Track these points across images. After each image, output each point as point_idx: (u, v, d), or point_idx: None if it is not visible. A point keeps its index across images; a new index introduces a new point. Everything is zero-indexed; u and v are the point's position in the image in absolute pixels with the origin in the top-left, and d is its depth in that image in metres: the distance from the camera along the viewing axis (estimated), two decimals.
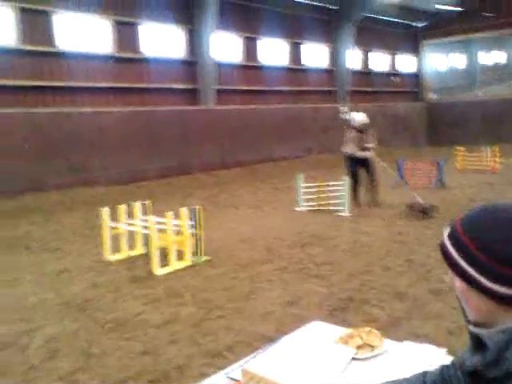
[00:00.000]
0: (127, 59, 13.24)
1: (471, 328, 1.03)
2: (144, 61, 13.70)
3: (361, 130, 8.75)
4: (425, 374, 1.32)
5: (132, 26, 13.34)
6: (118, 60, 13.06)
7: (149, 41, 13.77)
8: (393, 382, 1.35)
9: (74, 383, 3.20)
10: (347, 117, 19.26)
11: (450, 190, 10.24)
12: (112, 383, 3.16)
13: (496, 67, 24.06)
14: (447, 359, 1.78)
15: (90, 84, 12.45)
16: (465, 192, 9.94)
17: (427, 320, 3.88)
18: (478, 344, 1.03)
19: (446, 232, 1.01)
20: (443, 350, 1.83)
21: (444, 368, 1.32)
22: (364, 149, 8.71)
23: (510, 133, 19.74)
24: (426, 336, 3.50)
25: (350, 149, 8.75)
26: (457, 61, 24.92)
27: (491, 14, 21.06)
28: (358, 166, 8.84)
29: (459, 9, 21.74)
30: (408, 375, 1.35)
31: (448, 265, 0.99)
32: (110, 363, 3.43)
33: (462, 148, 13.82)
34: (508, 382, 0.90)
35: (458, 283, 0.98)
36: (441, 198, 9.40)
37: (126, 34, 13.22)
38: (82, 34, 12.37)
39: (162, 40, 14.13)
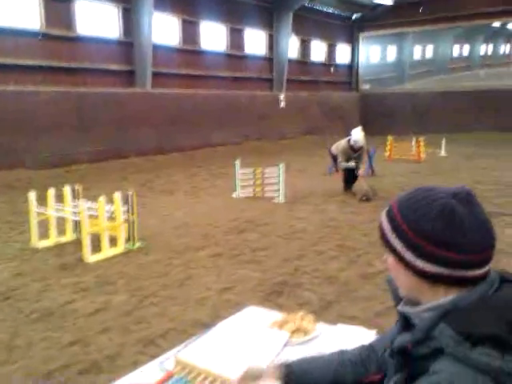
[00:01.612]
0: (58, 37, 12.50)
1: (399, 307, 1.07)
2: (77, 39, 13.00)
3: (354, 149, 8.68)
4: (342, 352, 1.36)
5: (65, 2, 12.60)
6: (48, 37, 12.31)
7: (83, 19, 13.08)
8: (311, 357, 1.38)
9: None
10: (283, 105, 19.51)
11: (380, 178, 10.65)
12: (37, 376, 3.01)
13: (425, 61, 25.18)
14: None
15: (16, 61, 11.67)
16: (394, 180, 10.37)
17: (356, 302, 4.03)
18: (405, 324, 1.06)
19: (385, 210, 1.06)
20: (373, 331, 1.90)
21: (362, 348, 1.36)
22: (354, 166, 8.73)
23: (436, 124, 20.83)
24: (355, 318, 3.63)
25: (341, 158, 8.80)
26: (389, 53, 25.83)
27: (423, 9, 21.96)
28: (348, 174, 8.92)
29: (393, 3, 22.47)
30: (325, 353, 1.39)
31: (382, 240, 1.04)
32: (36, 355, 3.27)
33: (391, 138, 14.41)
34: (435, 358, 0.93)
35: (390, 259, 1.03)
36: (370, 186, 9.75)
37: (57, 10, 12.46)
38: (10, 8, 11.52)
39: (96, 19, 13.47)
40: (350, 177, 8.89)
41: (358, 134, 8.62)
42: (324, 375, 1.32)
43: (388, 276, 1.13)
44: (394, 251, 1.01)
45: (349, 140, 8.73)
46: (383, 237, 1.04)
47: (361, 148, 8.76)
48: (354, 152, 8.77)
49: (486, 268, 0.97)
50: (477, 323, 0.90)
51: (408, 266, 0.99)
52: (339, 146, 8.97)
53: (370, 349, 1.36)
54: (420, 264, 0.97)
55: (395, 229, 1.00)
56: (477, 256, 0.95)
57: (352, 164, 8.74)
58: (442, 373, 0.90)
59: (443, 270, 0.96)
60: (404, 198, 1.03)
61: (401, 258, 1.00)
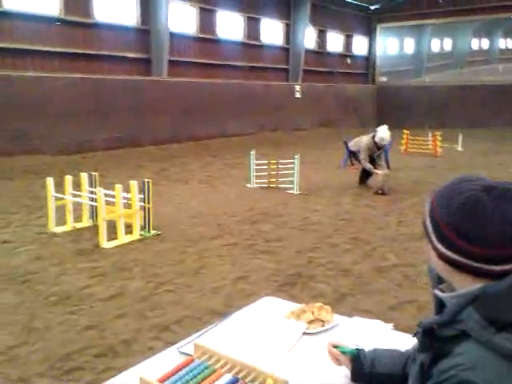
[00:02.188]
0: (76, 23, 12.57)
1: (435, 291, 1.10)
2: (94, 26, 13.07)
3: (378, 146, 8.47)
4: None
5: None
6: (66, 23, 12.38)
7: (101, 6, 13.12)
8: (385, 349, 1.42)
9: (15, 358, 3.09)
10: (299, 96, 19.42)
11: (395, 172, 10.57)
12: (55, 358, 3.08)
13: (443, 54, 24.82)
14: (393, 334, 1.86)
15: (34, 47, 11.76)
16: (409, 174, 10.30)
17: (370, 296, 4.03)
18: (439, 308, 1.09)
19: (429, 199, 1.10)
20: (390, 325, 1.91)
21: None
22: (373, 165, 8.51)
23: (453, 119, 20.59)
24: (368, 311, 3.64)
25: (362, 158, 8.56)
26: (407, 46, 25.50)
27: (443, 1, 21.64)
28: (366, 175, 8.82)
29: None
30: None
31: (422, 225, 1.09)
32: (53, 338, 3.34)
33: (408, 131, 14.28)
34: (460, 341, 0.95)
35: (427, 241, 1.08)
36: (387, 180, 9.69)
37: None
38: None
39: (114, 6, 13.51)
40: (367, 172, 8.78)
41: (384, 132, 8.39)
42: (395, 365, 1.35)
43: (429, 264, 1.16)
44: (427, 234, 1.06)
45: (373, 136, 8.45)
46: (422, 219, 1.09)
47: (386, 145, 8.58)
48: (377, 149, 8.55)
49: (506, 266, 0.97)
50: (503, 310, 0.92)
51: (435, 250, 1.04)
52: (361, 142, 8.68)
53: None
54: (444, 251, 1.01)
55: (430, 212, 1.05)
56: (496, 251, 0.95)
57: (373, 170, 8.47)
58: (466, 355, 0.93)
59: (464, 259, 0.98)
60: (445, 184, 1.07)
61: (430, 242, 1.05)
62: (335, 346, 1.39)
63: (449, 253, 1.00)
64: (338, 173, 10.47)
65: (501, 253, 0.96)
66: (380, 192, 8.23)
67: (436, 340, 1.01)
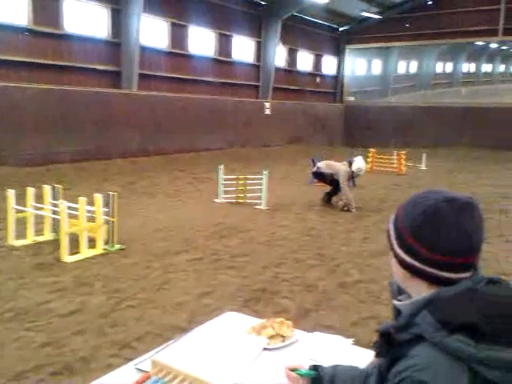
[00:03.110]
0: (45, 33, 12.37)
1: (394, 302, 1.14)
2: (64, 37, 12.88)
3: (354, 175, 8.74)
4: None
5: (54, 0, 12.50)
6: (35, 33, 12.17)
7: (71, 17, 12.97)
8: (345, 366, 1.40)
9: None
10: (269, 112, 19.60)
11: (361, 190, 10.75)
12: (9, 377, 2.96)
13: (409, 76, 25.57)
14: (353, 349, 1.87)
15: (1, 57, 11.50)
16: (374, 192, 10.50)
17: (334, 311, 4.06)
18: (397, 317, 1.12)
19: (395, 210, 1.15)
20: (350, 340, 1.92)
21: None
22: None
23: (417, 138, 21.17)
24: (331, 327, 3.66)
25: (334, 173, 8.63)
26: (375, 67, 26.17)
27: (409, 25, 22.40)
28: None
29: (380, 17, 22.86)
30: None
31: (386, 232, 1.14)
32: (8, 355, 3.21)
33: (373, 150, 14.59)
34: (415, 343, 0.98)
35: (390, 252, 1.13)
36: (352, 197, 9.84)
37: (45, 7, 12.34)
38: None
39: (85, 18, 13.37)
40: (334, 189, 8.88)
41: (361, 163, 8.62)
42: (354, 383, 1.33)
43: (390, 279, 1.20)
44: (389, 240, 1.11)
45: (350, 165, 8.57)
46: (387, 226, 1.14)
47: (358, 175, 8.84)
48: (352, 178, 9.09)
49: (467, 273, 1.02)
50: (455, 312, 0.95)
51: (395, 254, 1.09)
52: (336, 167, 8.70)
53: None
54: (401, 254, 1.06)
55: (394, 220, 1.11)
56: (453, 259, 1.00)
57: (351, 202, 8.50)
58: (419, 356, 0.95)
59: (420, 265, 1.03)
60: (413, 195, 1.12)
61: (392, 248, 1.10)
62: (292, 369, 1.38)
63: (407, 258, 1.05)
64: (305, 189, 10.58)
65: (456, 261, 1.00)
66: (346, 209, 8.38)
67: (393, 344, 1.04)
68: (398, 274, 1.10)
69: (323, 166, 8.98)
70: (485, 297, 0.98)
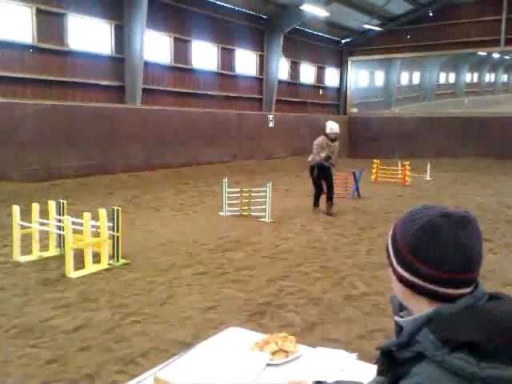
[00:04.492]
0: (49, 50, 12.53)
1: (395, 318, 1.13)
2: (68, 53, 13.05)
3: (330, 138, 8.94)
4: None
5: (58, 16, 12.67)
6: (40, 50, 12.33)
7: (75, 34, 13.14)
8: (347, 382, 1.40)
9: None
10: (272, 125, 19.69)
11: (365, 201, 10.74)
12: None
13: (412, 87, 25.65)
14: (358, 364, 1.86)
15: (6, 73, 11.65)
16: (379, 203, 10.47)
17: (339, 325, 4.03)
18: (399, 333, 1.12)
19: (392, 225, 1.15)
20: (353, 355, 1.91)
21: None
22: (328, 158, 8.88)
23: (421, 149, 21.15)
24: (337, 340, 3.63)
25: (311, 158, 8.97)
26: (377, 78, 26.28)
27: (411, 36, 22.53)
28: (319, 174, 8.99)
29: (382, 29, 23.01)
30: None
31: (385, 249, 1.13)
32: (13, 372, 3.21)
33: (378, 161, 14.59)
34: (417, 361, 0.97)
35: (390, 268, 1.12)
36: (356, 208, 9.84)
37: (50, 24, 12.52)
38: (2, 21, 11.54)
39: (89, 34, 13.55)
40: (319, 184, 9.08)
41: (332, 123, 9.05)
42: None
43: (392, 294, 1.19)
44: (388, 256, 1.10)
45: (324, 134, 8.96)
46: (386, 244, 1.13)
47: (336, 138, 8.99)
48: (331, 142, 8.92)
49: (467, 289, 1.01)
50: (457, 330, 0.95)
51: (395, 273, 1.08)
52: (314, 144, 9.00)
53: None
54: (402, 273, 1.06)
55: (392, 236, 1.10)
56: (454, 275, 1.00)
57: (326, 157, 8.81)
58: (421, 375, 0.95)
59: (421, 282, 1.02)
60: (410, 210, 1.12)
61: (391, 265, 1.09)
62: None
63: (407, 275, 1.04)
64: (309, 201, 10.54)
65: (457, 277, 1.00)
66: (328, 214, 8.89)
67: (394, 362, 1.04)
68: (398, 291, 1.10)
69: (309, 158, 9.14)
70: (486, 314, 0.98)
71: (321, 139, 8.94)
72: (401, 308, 1.15)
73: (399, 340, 1.04)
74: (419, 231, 1.02)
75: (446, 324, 0.97)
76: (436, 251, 1.00)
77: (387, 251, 1.11)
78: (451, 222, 1.01)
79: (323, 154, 8.80)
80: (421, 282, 1.02)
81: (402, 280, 1.06)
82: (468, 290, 1.02)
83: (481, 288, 1.04)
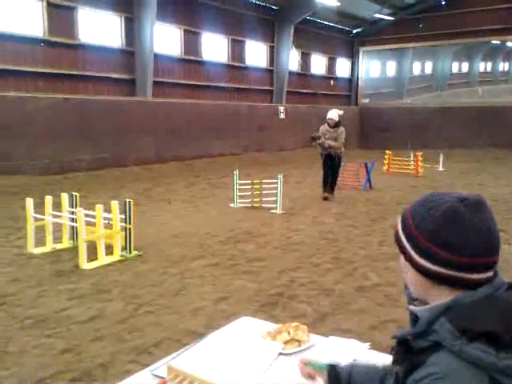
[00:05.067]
0: (60, 44, 12.59)
1: (410, 307, 1.11)
2: (79, 47, 13.09)
3: (329, 124, 9.37)
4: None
5: (68, 10, 12.71)
6: (51, 44, 12.40)
7: (86, 27, 13.18)
8: (362, 364, 1.40)
9: None
10: (283, 116, 19.61)
11: (377, 192, 10.68)
12: (30, 382, 3.00)
13: (424, 77, 25.35)
14: (370, 353, 1.85)
15: (18, 67, 11.74)
16: (392, 194, 10.40)
17: (351, 315, 4.02)
18: (414, 323, 1.10)
19: (400, 215, 1.12)
20: (366, 344, 1.91)
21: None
22: (314, 139, 9.48)
23: (434, 139, 20.94)
24: (349, 331, 3.63)
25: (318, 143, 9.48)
26: (389, 68, 26.01)
27: (423, 25, 22.22)
28: (326, 161, 9.56)
29: (393, 18, 22.74)
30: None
31: (395, 240, 1.10)
32: (29, 361, 3.26)
33: (390, 152, 14.47)
34: (433, 350, 0.96)
35: (402, 258, 1.09)
36: (368, 199, 9.79)
37: (60, 18, 12.57)
38: (13, 14, 11.61)
39: (99, 27, 13.58)
40: (327, 173, 9.60)
41: (331, 112, 9.43)
42: (372, 381, 1.33)
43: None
44: (403, 250, 1.07)
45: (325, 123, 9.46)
46: (396, 236, 1.10)
47: (336, 124, 9.33)
48: (331, 128, 9.35)
49: (489, 273, 1.00)
50: (475, 320, 0.93)
51: (413, 264, 1.04)
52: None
53: None
54: (423, 263, 1.02)
55: (404, 228, 1.06)
56: (477, 260, 0.98)
57: (326, 142, 9.31)
58: (439, 364, 0.93)
59: (444, 270, 0.99)
60: (417, 200, 1.09)
61: (408, 257, 1.05)
62: (306, 364, 1.37)
63: (428, 264, 1.01)
64: (320, 192, 10.51)
65: (481, 260, 0.99)
66: (324, 198, 9.45)
67: (410, 351, 1.02)
68: (417, 284, 1.07)
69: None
70: (505, 303, 0.97)
71: (322, 127, 9.48)
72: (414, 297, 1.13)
73: (415, 329, 1.03)
74: (439, 218, 1.00)
75: (464, 313, 0.95)
76: (458, 237, 0.98)
77: (400, 244, 1.08)
78: (471, 205, 1.00)
79: (323, 141, 9.33)
80: (442, 270, 0.99)
81: (423, 271, 1.03)
82: (490, 274, 1.00)
83: (500, 277, 1.03)
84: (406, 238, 1.06)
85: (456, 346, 0.92)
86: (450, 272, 0.99)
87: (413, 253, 1.04)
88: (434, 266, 1.00)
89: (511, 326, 0.92)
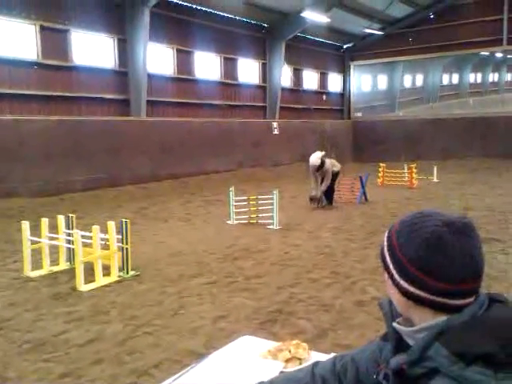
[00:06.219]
0: (54, 66, 12.68)
1: (395, 324, 1.10)
2: (72, 69, 13.19)
3: (314, 168, 9.90)
4: (316, 363, 1.37)
5: (61, 32, 12.83)
6: (44, 67, 12.48)
7: (79, 49, 13.30)
8: (287, 373, 1.40)
9: None
10: (277, 132, 19.73)
11: (372, 205, 10.71)
12: None
13: (415, 89, 25.62)
14: None
15: (12, 91, 11.79)
16: (387, 207, 10.44)
17: (351, 330, 4.01)
18: (398, 344, 1.09)
19: (386, 233, 1.12)
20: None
21: (337, 360, 1.36)
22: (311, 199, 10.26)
23: (427, 151, 21.10)
24: (350, 346, 3.61)
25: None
26: (380, 82, 26.29)
27: (412, 39, 22.55)
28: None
29: (383, 33, 23.06)
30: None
31: (380, 258, 1.09)
32: None
33: (384, 164, 14.56)
34: (431, 376, 0.95)
35: (386, 276, 1.08)
36: (364, 212, 9.82)
37: (54, 41, 12.68)
38: (6, 38, 11.71)
39: (92, 49, 13.70)
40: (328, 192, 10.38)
41: (312, 158, 9.88)
42: None
43: (381, 300, 1.17)
44: (386, 268, 1.06)
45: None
46: (381, 253, 1.09)
47: (320, 166, 9.81)
48: (316, 171, 9.95)
49: (471, 299, 0.99)
50: (470, 343, 0.92)
51: (395, 284, 1.04)
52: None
53: (347, 360, 1.33)
54: (405, 285, 1.01)
55: (389, 248, 1.06)
56: (458, 286, 0.97)
57: (318, 194, 10.23)
58: None
59: (425, 294, 0.99)
60: (403, 219, 1.08)
61: (390, 276, 1.05)
62: None
63: (412, 289, 1.00)
64: (317, 207, 10.54)
65: (463, 287, 0.98)
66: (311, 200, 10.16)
67: (407, 380, 1.00)
68: (400, 303, 1.06)
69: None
70: (492, 321, 0.96)
71: (311, 168, 9.98)
72: (395, 314, 1.12)
73: (410, 357, 1.00)
74: (423, 243, 0.98)
75: (457, 337, 0.94)
76: (443, 263, 0.97)
77: (385, 263, 1.07)
78: (456, 231, 0.99)
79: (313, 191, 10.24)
80: (428, 295, 0.98)
81: (405, 294, 1.02)
82: (471, 299, 0.99)
83: (481, 293, 1.02)
84: (390, 256, 1.05)
85: (454, 372, 0.91)
86: (431, 297, 0.98)
87: (395, 273, 1.03)
88: (415, 289, 1.00)
89: (504, 344, 0.91)
